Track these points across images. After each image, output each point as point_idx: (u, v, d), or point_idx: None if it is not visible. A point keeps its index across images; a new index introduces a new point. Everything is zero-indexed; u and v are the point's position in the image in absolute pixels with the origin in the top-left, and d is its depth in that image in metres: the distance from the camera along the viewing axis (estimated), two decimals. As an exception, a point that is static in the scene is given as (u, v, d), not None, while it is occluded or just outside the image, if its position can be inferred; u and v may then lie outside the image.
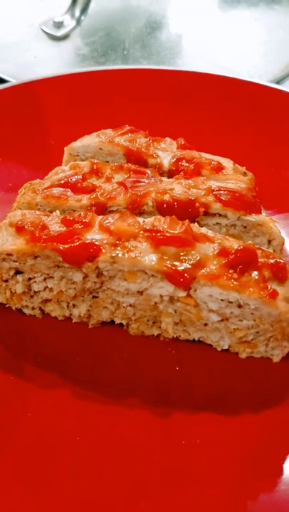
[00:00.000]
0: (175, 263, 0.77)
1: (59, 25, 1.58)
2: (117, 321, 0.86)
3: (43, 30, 1.57)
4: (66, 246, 0.79)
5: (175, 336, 0.85)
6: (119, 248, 0.78)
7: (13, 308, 0.88)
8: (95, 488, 0.69)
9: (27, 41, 1.56)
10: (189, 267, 0.77)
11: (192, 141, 1.05)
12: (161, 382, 0.81)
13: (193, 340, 0.85)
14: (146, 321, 0.85)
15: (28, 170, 1.11)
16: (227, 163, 1.00)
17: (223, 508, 0.68)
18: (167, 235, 0.79)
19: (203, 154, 1.01)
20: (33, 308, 0.88)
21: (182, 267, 0.77)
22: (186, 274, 0.77)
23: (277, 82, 1.37)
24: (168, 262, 0.77)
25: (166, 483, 0.70)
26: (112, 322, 0.87)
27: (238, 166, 1.00)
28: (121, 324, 0.87)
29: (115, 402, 0.78)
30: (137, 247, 0.78)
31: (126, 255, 0.77)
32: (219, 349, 0.84)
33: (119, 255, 0.78)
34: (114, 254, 0.78)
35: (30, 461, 0.71)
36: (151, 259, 0.77)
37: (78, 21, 1.59)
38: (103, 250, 0.78)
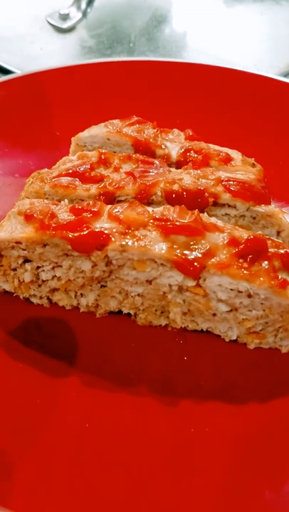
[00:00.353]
0: (185, 252, 0.77)
1: (65, 17, 1.57)
2: (125, 310, 0.86)
3: (49, 23, 1.56)
4: (75, 234, 0.78)
5: (183, 326, 0.85)
6: (128, 237, 0.78)
7: (21, 297, 0.88)
8: (102, 475, 0.69)
9: (33, 33, 1.55)
10: (199, 255, 0.76)
11: (200, 133, 1.05)
12: (169, 372, 0.80)
13: (202, 330, 0.85)
14: (155, 310, 0.84)
15: (34, 160, 1.11)
16: (235, 154, 1.00)
17: (230, 495, 0.68)
18: (177, 223, 0.78)
19: (211, 146, 1.00)
20: (40, 298, 0.87)
21: (192, 256, 0.77)
22: (196, 263, 0.76)
23: (285, 76, 1.36)
24: (178, 251, 0.77)
25: (174, 470, 0.70)
26: (120, 312, 0.86)
27: (247, 158, 1.00)
28: (129, 314, 0.86)
29: (123, 391, 0.78)
30: (147, 235, 0.78)
31: (136, 244, 0.77)
32: (227, 340, 0.84)
33: (129, 244, 0.77)
34: (123, 243, 0.77)
35: (38, 447, 0.71)
36: (161, 248, 0.77)
37: (84, 14, 1.59)
38: (112, 239, 0.78)
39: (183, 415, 0.75)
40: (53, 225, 0.79)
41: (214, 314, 0.82)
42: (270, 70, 1.41)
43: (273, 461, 0.72)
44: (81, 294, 0.86)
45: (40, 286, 0.86)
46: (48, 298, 0.87)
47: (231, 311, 0.80)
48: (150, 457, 0.71)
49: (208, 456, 0.71)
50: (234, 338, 0.83)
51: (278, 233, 0.90)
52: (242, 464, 0.71)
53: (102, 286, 0.84)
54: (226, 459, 0.71)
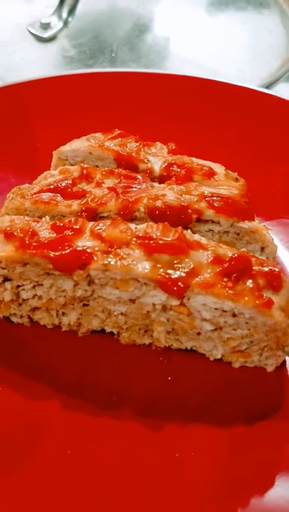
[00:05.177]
0: (169, 271, 0.76)
1: (46, 26, 1.55)
2: (108, 329, 0.84)
3: (30, 32, 1.54)
4: (57, 253, 0.77)
5: (167, 345, 0.83)
6: (111, 255, 0.76)
7: (1, 316, 0.86)
8: (83, 505, 0.67)
9: (13, 43, 1.54)
10: (183, 275, 0.75)
11: (183, 146, 1.03)
12: (153, 393, 0.79)
13: (186, 349, 0.83)
14: (138, 329, 0.83)
15: (15, 174, 1.09)
16: (218, 168, 0.99)
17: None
18: (160, 242, 0.77)
19: (194, 159, 0.99)
20: (21, 317, 0.85)
21: (176, 276, 0.75)
22: (180, 283, 0.75)
23: (267, 87, 1.36)
24: (161, 270, 0.76)
25: (158, 498, 0.68)
26: (103, 331, 0.85)
27: (230, 172, 0.98)
28: (112, 333, 0.85)
29: (106, 414, 0.76)
30: (130, 254, 0.76)
31: (118, 263, 0.76)
32: (212, 358, 0.83)
33: (112, 263, 0.76)
34: (106, 262, 0.76)
35: (18, 475, 0.69)
36: (144, 267, 0.76)
37: (65, 23, 1.57)
38: (95, 258, 0.76)
39: (168, 440, 0.73)
40: (34, 244, 0.78)
41: (199, 333, 0.80)
42: (252, 81, 1.41)
43: (260, 483, 0.71)
44: (63, 313, 0.84)
45: (20, 305, 0.84)
46: (29, 317, 0.86)
47: (216, 330, 0.79)
48: (134, 485, 0.69)
49: (194, 482, 0.70)
50: (219, 357, 0.82)
51: (262, 249, 0.89)
52: (227, 488, 0.70)
53: (84, 305, 0.82)
54: (212, 484, 0.70)
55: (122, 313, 0.81)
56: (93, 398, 0.78)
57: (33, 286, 0.81)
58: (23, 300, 0.83)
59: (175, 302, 0.77)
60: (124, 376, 0.81)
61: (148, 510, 0.67)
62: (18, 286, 0.82)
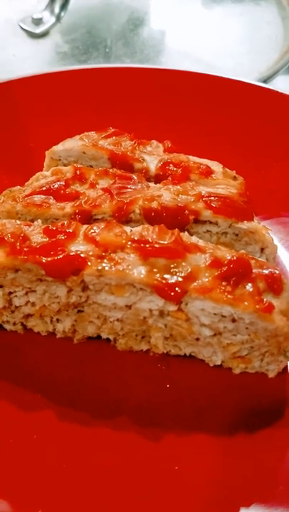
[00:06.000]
0: (165, 276, 0.73)
1: (38, 22, 1.52)
2: (104, 336, 0.82)
3: (22, 27, 1.51)
4: (49, 259, 0.74)
5: (165, 352, 0.81)
6: (105, 260, 0.74)
7: (-7, 323, 0.84)
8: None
9: (5, 39, 1.51)
10: (180, 280, 0.72)
11: (179, 143, 1.01)
12: (151, 401, 0.77)
13: (185, 355, 0.81)
14: (135, 335, 0.80)
15: (6, 175, 1.06)
16: (216, 166, 0.96)
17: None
18: (156, 246, 0.74)
19: (191, 158, 0.96)
20: (14, 324, 0.83)
21: (173, 280, 0.73)
22: (177, 288, 0.72)
23: (265, 81, 1.33)
24: (158, 275, 0.73)
25: (159, 508, 0.66)
26: (99, 337, 0.82)
27: (228, 170, 0.96)
28: (108, 339, 0.82)
29: (102, 424, 0.74)
30: (125, 259, 0.74)
31: (113, 268, 0.73)
32: (212, 365, 0.80)
33: (106, 268, 0.73)
34: (100, 267, 0.73)
35: (13, 487, 0.67)
36: (140, 272, 0.73)
37: (58, 18, 1.53)
38: (89, 263, 0.74)
39: (166, 451, 0.71)
40: (25, 249, 0.75)
41: (197, 339, 0.78)
42: (251, 73, 1.38)
43: (262, 490, 0.68)
44: (57, 320, 0.81)
45: (13, 312, 0.81)
46: (22, 324, 0.83)
47: (215, 335, 0.77)
48: (132, 496, 0.67)
49: (194, 491, 0.67)
50: (219, 363, 0.80)
51: (262, 250, 0.87)
52: (227, 496, 0.67)
53: (78, 311, 0.80)
54: (212, 493, 0.67)
55: (118, 320, 0.79)
56: (89, 407, 0.75)
57: (26, 293, 0.79)
58: (16, 307, 0.81)
59: (172, 308, 0.75)
60: (122, 383, 0.78)
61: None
62: (10, 292, 0.79)
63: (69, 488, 0.67)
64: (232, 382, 0.79)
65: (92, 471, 0.69)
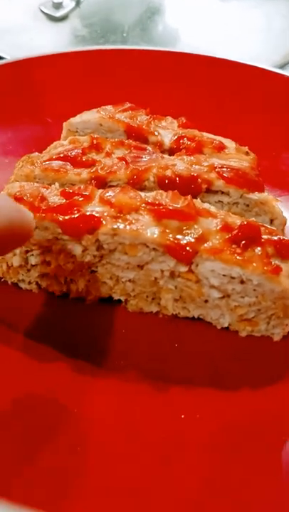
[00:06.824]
0: (178, 237, 0.75)
1: (58, 5, 1.55)
2: (116, 296, 0.84)
3: (42, 11, 1.54)
4: (66, 217, 0.77)
5: (174, 313, 0.83)
6: (120, 220, 0.76)
7: (9, 282, 0.86)
8: (93, 463, 0.67)
9: (25, 22, 1.54)
10: (192, 240, 0.75)
11: (193, 122, 1.03)
12: (160, 359, 0.79)
13: (193, 318, 0.83)
14: (146, 297, 0.83)
15: (24, 147, 1.08)
16: (229, 143, 0.99)
17: (221, 483, 0.66)
18: (170, 208, 0.77)
19: (204, 134, 0.99)
20: (29, 283, 0.85)
21: (184, 241, 0.75)
22: (188, 248, 0.75)
23: (280, 68, 1.35)
24: (170, 235, 0.75)
25: (164, 457, 0.68)
26: (110, 299, 0.85)
27: (241, 147, 0.98)
28: (119, 300, 0.85)
29: (112, 376, 0.76)
30: (139, 219, 0.76)
31: (127, 228, 0.76)
32: (219, 327, 0.83)
33: (121, 227, 0.76)
34: (115, 227, 0.76)
35: (29, 434, 0.69)
36: (153, 232, 0.76)
37: (78, 2, 1.57)
38: (104, 222, 0.76)
39: (173, 401, 0.73)
40: (43, 208, 0.78)
41: (206, 301, 0.80)
42: (265, 63, 1.40)
43: (264, 448, 0.71)
44: (71, 280, 0.84)
45: (29, 271, 0.84)
46: (37, 283, 0.86)
47: (223, 297, 0.79)
48: (139, 443, 0.69)
49: (199, 442, 0.70)
50: (226, 325, 0.82)
51: (271, 221, 0.89)
52: (233, 450, 0.70)
53: (92, 271, 0.82)
54: (217, 446, 0.70)
55: (130, 280, 0.81)
56: (99, 362, 0.78)
57: (42, 252, 0.81)
58: (32, 266, 0.83)
59: (183, 268, 0.77)
60: (131, 342, 0.81)
61: (152, 468, 0.67)
62: (27, 251, 0.82)
63: (79, 432, 0.70)
64: (238, 344, 0.81)
65: (101, 414, 0.72)
